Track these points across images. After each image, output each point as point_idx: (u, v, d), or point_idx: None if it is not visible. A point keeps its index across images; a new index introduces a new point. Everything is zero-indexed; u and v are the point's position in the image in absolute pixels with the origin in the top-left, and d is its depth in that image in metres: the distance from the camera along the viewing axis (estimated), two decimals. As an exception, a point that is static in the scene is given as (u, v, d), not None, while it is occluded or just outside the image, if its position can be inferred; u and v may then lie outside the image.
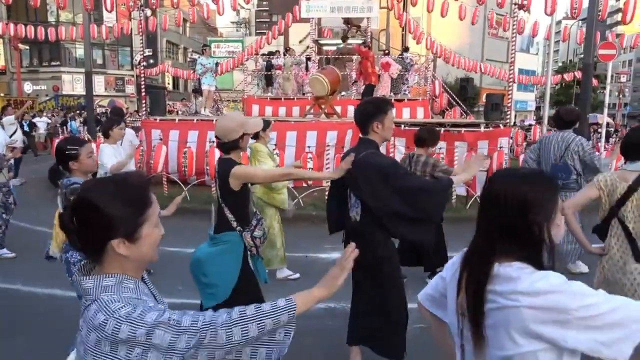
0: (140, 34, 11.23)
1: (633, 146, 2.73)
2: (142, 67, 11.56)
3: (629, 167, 2.74)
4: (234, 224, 2.84)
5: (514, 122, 21.43)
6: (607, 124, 20.49)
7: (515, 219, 1.26)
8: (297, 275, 5.04)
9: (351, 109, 12.91)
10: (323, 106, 10.79)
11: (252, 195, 3.19)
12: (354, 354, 3.13)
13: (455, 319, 1.41)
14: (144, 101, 11.03)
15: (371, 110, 2.86)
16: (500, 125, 9.10)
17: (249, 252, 2.90)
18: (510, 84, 9.55)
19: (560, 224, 1.33)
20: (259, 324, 1.26)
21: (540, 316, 1.20)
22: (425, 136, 4.78)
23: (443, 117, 14.12)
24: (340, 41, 15.87)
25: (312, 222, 7.43)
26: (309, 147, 8.69)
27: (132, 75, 34.94)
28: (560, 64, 46.02)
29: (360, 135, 2.95)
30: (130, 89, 35.93)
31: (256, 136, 4.86)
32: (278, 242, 4.99)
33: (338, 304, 4.20)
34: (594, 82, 18.33)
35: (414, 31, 15.44)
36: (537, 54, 44.75)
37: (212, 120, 9.64)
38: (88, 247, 1.25)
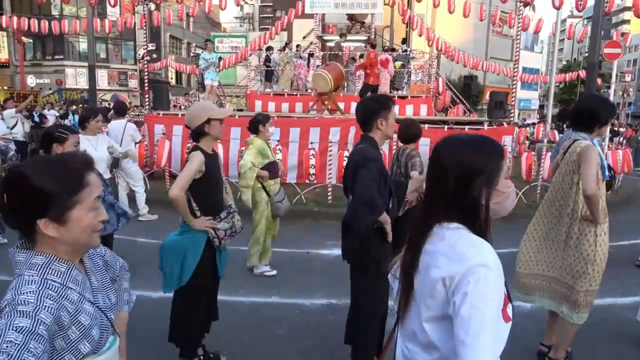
0: (144, 28, 11.20)
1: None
2: (145, 62, 11.55)
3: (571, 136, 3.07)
4: (198, 214, 2.90)
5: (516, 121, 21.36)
6: (612, 123, 20.37)
7: (456, 183, 1.28)
8: (274, 272, 5.02)
9: (355, 106, 12.91)
10: (326, 102, 10.77)
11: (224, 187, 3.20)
12: None
13: (394, 282, 1.47)
14: (147, 96, 11.02)
15: (375, 107, 2.85)
16: (504, 123, 9.07)
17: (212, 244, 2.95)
18: (515, 82, 9.50)
19: (505, 191, 1.36)
20: None
21: (448, 270, 1.23)
22: (417, 132, 4.72)
23: (446, 115, 14.07)
24: (339, 37, 15.84)
25: (313, 219, 7.43)
26: (311, 143, 8.67)
27: (136, 70, 34.89)
28: (564, 63, 45.79)
29: (362, 133, 2.95)
30: (134, 83, 35.90)
31: (255, 130, 4.87)
32: (261, 239, 4.96)
33: (339, 300, 4.21)
34: (599, 81, 18.23)
35: (419, 27, 15.36)
36: (541, 52, 44.51)
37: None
38: (19, 225, 1.22)
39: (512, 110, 9.34)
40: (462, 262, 1.21)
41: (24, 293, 1.13)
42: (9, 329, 1.05)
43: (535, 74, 28.36)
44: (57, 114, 19.51)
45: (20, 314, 1.09)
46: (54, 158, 1.28)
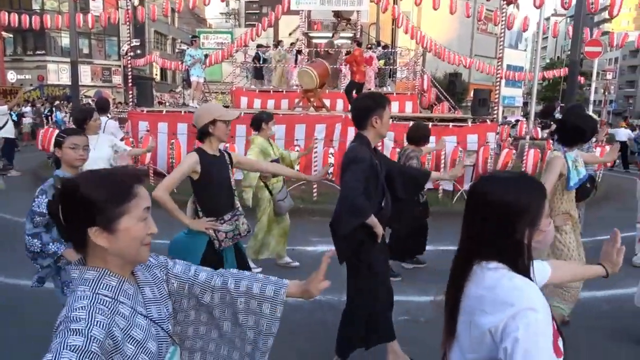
0: (127, 23, 11.08)
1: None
2: (129, 58, 11.43)
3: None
4: (200, 214, 2.89)
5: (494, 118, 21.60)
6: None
7: (499, 223, 1.27)
8: (260, 269, 5.04)
9: (340, 103, 12.95)
10: (312, 99, 10.77)
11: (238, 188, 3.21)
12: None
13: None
14: (130, 92, 10.92)
15: (370, 104, 2.84)
16: (488, 120, 9.17)
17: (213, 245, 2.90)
18: (498, 80, 9.61)
19: (545, 230, 1.33)
20: None
21: (492, 315, 1.21)
22: (425, 134, 4.93)
23: (431, 112, 14.18)
24: (329, 34, 15.86)
25: (299, 215, 7.43)
26: (297, 140, 8.68)
27: (120, 66, 34.45)
28: (548, 61, 46.38)
29: (356, 131, 2.95)
30: (118, 79, 35.43)
31: (258, 128, 4.88)
32: (260, 235, 5.00)
33: (324, 296, 4.23)
34: (581, 79, 18.53)
35: (404, 25, 15.43)
36: (525, 50, 44.99)
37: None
38: (72, 236, 1.24)
39: (496, 108, 9.45)
40: (508, 307, 1.19)
41: (76, 309, 1.14)
42: (63, 349, 1.05)
43: (520, 71, 28.67)
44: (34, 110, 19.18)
45: (73, 332, 1.08)
46: (104, 171, 1.30)
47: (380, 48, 15.88)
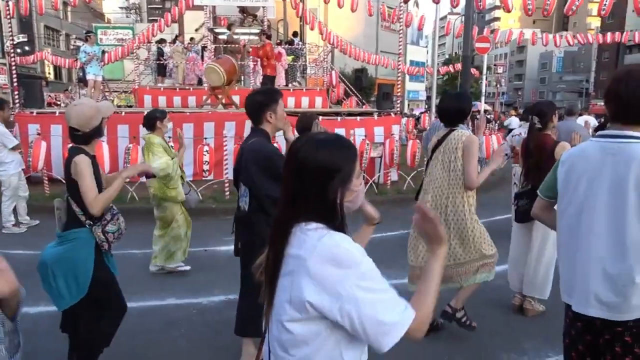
0: (8, 17, 10.06)
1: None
2: (14, 55, 10.39)
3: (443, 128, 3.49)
4: (83, 218, 2.70)
5: (403, 111, 22.70)
6: (486, 111, 22.55)
7: (316, 183, 1.29)
8: (188, 267, 4.94)
9: (250, 100, 12.83)
10: (220, 96, 10.56)
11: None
12: (246, 345, 3.14)
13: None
14: (16, 92, 9.94)
15: (262, 100, 2.87)
16: (392, 113, 9.61)
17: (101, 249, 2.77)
18: (399, 74, 10.09)
19: (357, 189, 1.39)
20: None
21: (320, 278, 1.22)
22: (309, 126, 4.93)
23: (341, 107, 14.54)
24: (228, 30, 15.59)
25: (212, 215, 7.29)
26: (206, 138, 8.47)
27: (5, 64, 31.21)
28: (447, 57, 49.55)
29: (252, 126, 2.95)
30: (3, 79, 32.07)
31: (152, 127, 4.66)
32: (182, 235, 4.87)
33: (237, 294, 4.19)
34: (476, 73, 20.03)
35: (311, 21, 15.64)
36: (426, 46, 47.65)
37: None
38: None
39: (399, 101, 9.92)
40: (335, 268, 1.22)
41: None
42: None
43: (422, 66, 30.32)
44: None
45: None
46: None
47: (286, 44, 15.96)
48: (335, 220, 1.32)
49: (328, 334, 1.28)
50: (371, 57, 19.22)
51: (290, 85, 14.47)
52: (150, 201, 4.97)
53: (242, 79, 14.67)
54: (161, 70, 15.38)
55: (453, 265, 3.42)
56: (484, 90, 12.28)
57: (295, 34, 17.51)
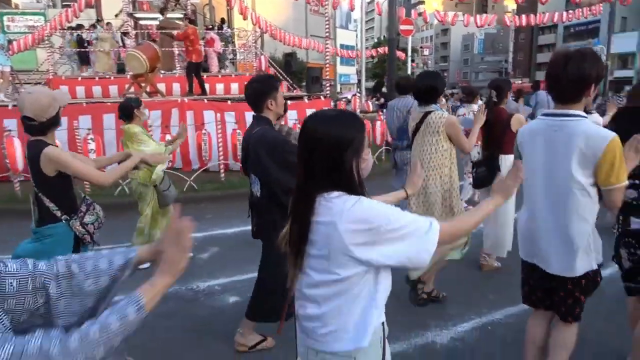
0: None
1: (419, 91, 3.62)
2: None
3: (418, 109, 3.67)
4: (58, 213, 2.62)
5: (330, 94, 22.95)
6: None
7: (332, 156, 1.41)
8: (147, 264, 4.77)
9: (177, 87, 12.37)
10: (144, 84, 10.10)
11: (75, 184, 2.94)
12: (247, 327, 3.19)
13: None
14: None
15: (263, 89, 2.94)
16: (321, 97, 9.68)
17: (81, 242, 2.70)
18: (327, 58, 10.16)
19: (367, 158, 1.56)
20: (107, 344, 1.13)
21: (354, 236, 1.37)
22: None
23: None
24: (159, 15, 14.93)
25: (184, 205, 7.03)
26: (130, 129, 8.08)
27: None
28: (376, 40, 50.40)
29: (254, 113, 3.02)
30: None
31: (129, 117, 4.51)
32: (145, 230, 4.71)
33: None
34: (402, 55, 20.54)
35: (238, 6, 15.28)
36: (356, 30, 48.16)
37: (7, 106, 8.33)
38: None
39: (327, 85, 10.00)
40: (365, 224, 1.37)
41: None
42: None
43: (352, 50, 30.67)
44: None
45: None
46: None
47: (216, 30, 15.51)
48: (354, 187, 1.45)
49: (368, 272, 1.44)
50: (301, 42, 19.17)
51: (218, 71, 14.11)
52: (134, 192, 4.81)
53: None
54: (84, 59, 14.40)
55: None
56: (409, 72, 12.63)
57: (223, 21, 17.03)
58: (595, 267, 2.28)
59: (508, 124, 4.19)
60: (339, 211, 1.39)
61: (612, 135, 2.07)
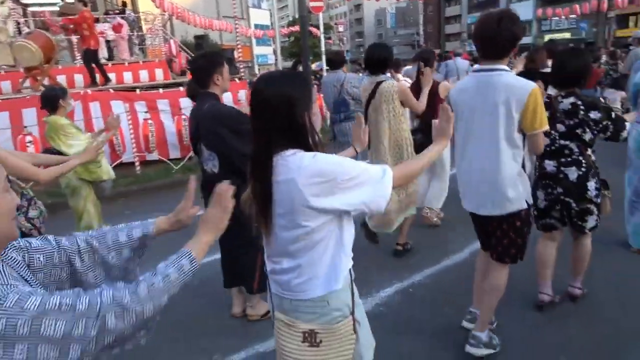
0: None
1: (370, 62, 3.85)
2: None
3: (369, 79, 3.91)
4: None
5: (245, 75, 22.58)
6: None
7: (283, 114, 1.46)
8: None
9: (79, 78, 11.47)
10: (39, 77, 9.27)
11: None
12: (235, 296, 3.38)
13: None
14: None
15: (209, 65, 2.96)
16: (236, 79, 9.45)
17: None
18: (238, 38, 9.89)
19: (316, 112, 1.65)
20: (169, 292, 1.21)
21: (313, 189, 1.43)
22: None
23: (186, 77, 13.83)
24: (53, 1, 13.71)
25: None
26: (26, 127, 7.41)
27: None
28: (290, 18, 49.93)
29: (200, 90, 3.03)
30: None
31: (54, 108, 4.10)
32: (94, 224, 4.30)
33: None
34: (316, 32, 20.50)
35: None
36: (270, 9, 47.35)
37: None
38: None
39: (242, 66, 9.77)
40: (321, 178, 1.43)
41: None
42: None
43: (267, 29, 30.14)
44: None
45: (10, 313, 0.97)
46: None
47: (118, 14, 14.51)
48: (309, 143, 1.51)
49: (332, 221, 1.52)
50: (213, 23, 18.51)
51: (124, 58, 13.27)
52: (63, 190, 4.36)
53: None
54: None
55: (405, 197, 3.97)
56: (323, 49, 12.64)
57: (124, 4, 15.96)
58: (525, 205, 2.52)
59: (436, 92, 4.48)
60: (296, 168, 1.44)
61: (533, 85, 2.33)
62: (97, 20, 12.72)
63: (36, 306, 0.98)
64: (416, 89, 4.36)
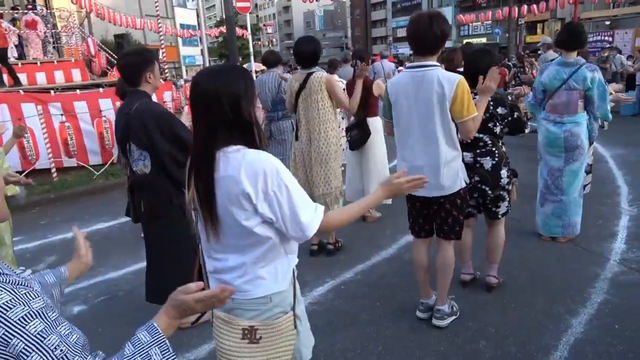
0: None
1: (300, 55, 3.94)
2: None
3: (300, 71, 4.01)
4: None
5: (183, 77, 22.01)
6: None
7: (227, 109, 1.42)
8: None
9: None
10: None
11: None
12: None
13: (194, 216, 1.58)
14: None
15: (139, 61, 2.87)
16: (161, 80, 9.12)
17: None
18: (163, 38, 9.56)
19: (259, 106, 1.76)
20: None
21: (252, 189, 1.41)
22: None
23: (107, 78, 13.14)
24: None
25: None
26: None
27: None
28: (218, 19, 48.98)
29: (130, 88, 2.92)
30: None
31: None
32: (7, 239, 3.78)
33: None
34: (244, 33, 20.28)
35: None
36: (196, 9, 46.17)
37: None
38: None
39: (166, 68, 9.44)
40: (260, 175, 1.40)
41: None
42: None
43: (193, 29, 29.37)
44: None
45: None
46: None
47: (29, 11, 13.46)
48: (254, 138, 1.47)
49: (275, 234, 1.50)
50: (135, 22, 17.71)
51: (36, 58, 12.35)
52: None
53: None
54: None
55: (327, 192, 4.05)
56: (251, 50, 12.53)
57: (32, 8, 14.82)
58: (464, 184, 2.80)
59: (370, 90, 4.63)
60: (237, 165, 1.41)
61: (460, 77, 2.58)
62: (0, 16, 11.78)
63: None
64: (352, 89, 4.46)
